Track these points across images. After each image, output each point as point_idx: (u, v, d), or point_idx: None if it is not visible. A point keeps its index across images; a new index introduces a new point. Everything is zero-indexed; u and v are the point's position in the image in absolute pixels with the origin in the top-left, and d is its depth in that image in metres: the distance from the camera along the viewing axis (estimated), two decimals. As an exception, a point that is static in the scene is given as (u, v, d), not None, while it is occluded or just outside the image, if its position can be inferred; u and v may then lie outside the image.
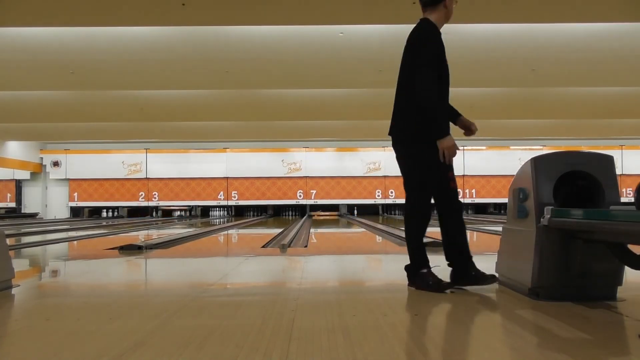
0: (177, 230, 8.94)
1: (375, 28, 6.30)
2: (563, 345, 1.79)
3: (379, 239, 7.07)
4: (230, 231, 9.13)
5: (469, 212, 16.43)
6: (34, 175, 16.13)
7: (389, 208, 16.21)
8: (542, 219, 2.48)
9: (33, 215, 15.92)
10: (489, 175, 16.06)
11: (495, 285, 2.95)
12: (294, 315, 2.26)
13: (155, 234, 8.46)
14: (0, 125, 12.19)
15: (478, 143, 15.99)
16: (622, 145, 15.89)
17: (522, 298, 2.55)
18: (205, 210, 16.61)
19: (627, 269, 2.40)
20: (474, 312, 2.36)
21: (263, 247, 5.70)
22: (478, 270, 2.74)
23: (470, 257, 2.79)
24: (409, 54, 2.93)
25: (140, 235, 8.03)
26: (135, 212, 16.37)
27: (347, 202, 15.78)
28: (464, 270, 2.76)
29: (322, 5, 5.43)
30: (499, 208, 16.15)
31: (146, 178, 16.07)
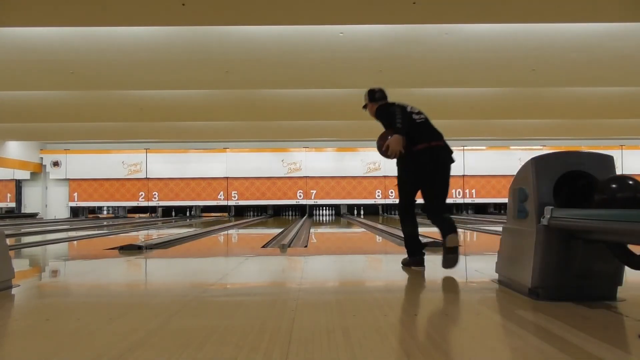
0: (177, 230, 8.94)
1: (375, 28, 6.30)
2: (563, 345, 1.79)
3: (378, 239, 7.07)
4: (230, 231, 9.13)
5: (469, 212, 16.44)
6: (34, 175, 16.13)
7: (388, 208, 16.20)
8: (542, 219, 2.48)
9: (33, 215, 15.92)
10: (489, 175, 16.07)
11: (495, 285, 2.95)
12: (294, 315, 2.25)
13: (155, 234, 8.46)
14: (0, 125, 12.19)
15: (478, 143, 16.01)
16: (622, 145, 15.90)
17: (522, 298, 2.55)
18: (205, 210, 16.62)
19: (627, 269, 2.40)
20: (474, 312, 2.36)
21: (263, 247, 5.70)
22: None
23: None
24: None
25: (140, 235, 8.03)
26: (136, 213, 16.38)
27: (347, 202, 15.79)
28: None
29: (322, 5, 5.43)
30: (499, 208, 16.16)
31: (146, 178, 16.08)
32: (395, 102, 3.70)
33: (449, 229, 3.43)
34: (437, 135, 3.56)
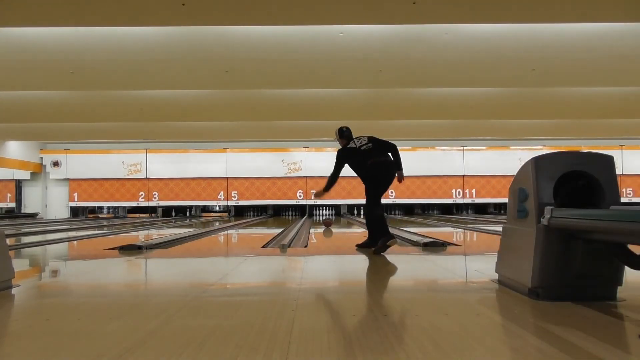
0: (177, 230, 8.94)
1: (375, 28, 6.30)
2: (563, 345, 1.79)
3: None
4: (230, 231, 9.13)
5: (469, 212, 16.44)
6: (34, 175, 16.13)
7: (389, 208, 16.21)
8: (542, 219, 2.48)
9: (33, 215, 15.92)
10: (489, 175, 16.06)
11: (495, 285, 2.95)
12: (294, 315, 2.26)
13: (155, 234, 8.46)
14: (0, 125, 12.19)
15: (478, 143, 16.00)
16: (622, 145, 15.90)
17: (522, 298, 2.55)
18: (205, 210, 16.62)
19: (627, 269, 2.40)
20: (474, 312, 2.36)
21: (263, 247, 5.70)
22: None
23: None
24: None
25: (140, 235, 8.03)
26: (136, 213, 16.38)
27: (347, 202, 15.79)
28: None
29: (322, 5, 5.43)
30: (499, 208, 16.16)
31: (146, 178, 16.07)
32: (350, 148, 5.17)
33: (391, 235, 4.76)
34: (382, 154, 4.98)
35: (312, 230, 8.94)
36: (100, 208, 16.59)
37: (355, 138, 5.23)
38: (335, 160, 5.25)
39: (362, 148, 5.05)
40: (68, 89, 8.75)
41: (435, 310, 2.42)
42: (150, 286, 3.57)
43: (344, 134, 5.36)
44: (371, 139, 5.10)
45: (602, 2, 5.50)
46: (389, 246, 4.72)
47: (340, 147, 5.37)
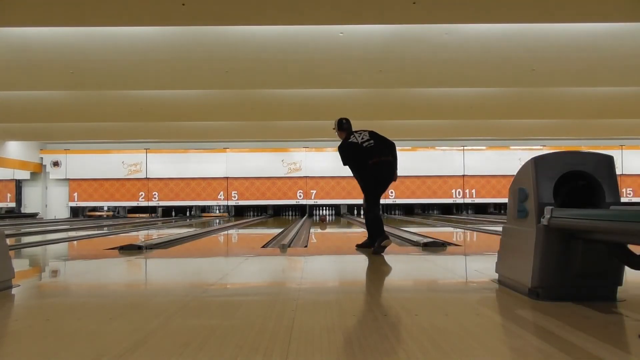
0: (177, 230, 8.94)
1: (375, 28, 6.30)
2: (563, 345, 1.79)
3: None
4: (230, 231, 9.13)
5: (469, 212, 16.44)
6: (34, 175, 16.13)
7: (389, 208, 16.22)
8: (542, 219, 2.48)
9: (33, 215, 15.92)
10: (489, 175, 16.06)
11: (495, 285, 2.96)
12: (294, 315, 2.26)
13: (155, 234, 8.45)
14: (0, 125, 12.19)
15: (478, 143, 16.01)
16: (622, 145, 15.90)
17: (522, 298, 2.55)
18: (205, 211, 16.63)
19: (627, 269, 2.40)
20: (474, 312, 2.36)
21: (263, 247, 5.70)
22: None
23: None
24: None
25: (140, 235, 8.03)
26: (136, 213, 16.38)
27: (347, 202, 15.80)
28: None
29: (322, 5, 5.43)
30: (499, 208, 16.16)
31: (146, 178, 16.07)
32: (351, 143, 4.96)
33: (385, 235, 4.78)
34: (383, 153, 4.83)
35: (312, 230, 8.94)
36: (101, 208, 16.60)
37: (356, 132, 5.05)
38: (342, 161, 5.07)
39: (364, 145, 4.87)
40: (68, 89, 8.75)
41: (435, 310, 2.42)
42: (150, 286, 3.57)
43: (343, 126, 5.22)
44: (372, 135, 4.93)
45: (602, 2, 5.50)
46: (384, 247, 4.71)
47: (339, 140, 5.23)
